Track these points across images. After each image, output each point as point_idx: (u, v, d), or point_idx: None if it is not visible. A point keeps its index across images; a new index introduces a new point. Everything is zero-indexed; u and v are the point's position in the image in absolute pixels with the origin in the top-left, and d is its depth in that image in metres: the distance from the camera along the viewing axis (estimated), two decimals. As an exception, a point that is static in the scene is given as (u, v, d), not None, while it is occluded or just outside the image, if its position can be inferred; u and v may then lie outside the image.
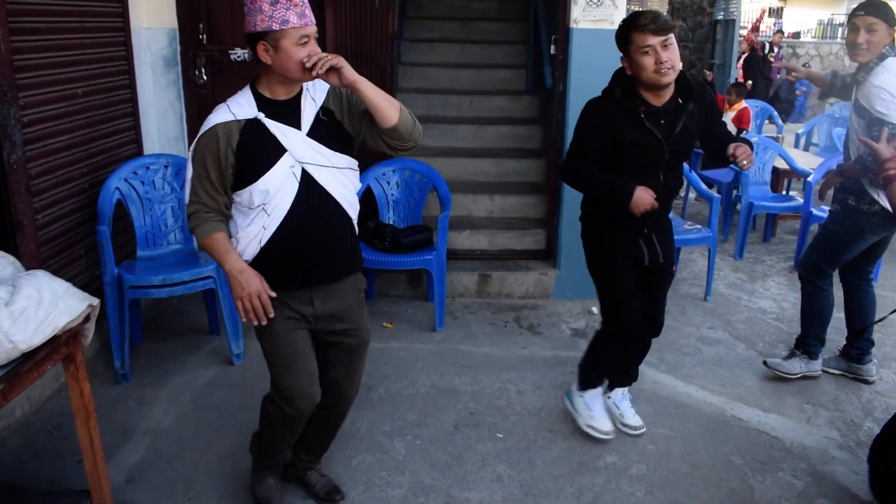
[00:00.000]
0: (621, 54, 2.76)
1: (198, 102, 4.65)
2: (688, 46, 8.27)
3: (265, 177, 2.21)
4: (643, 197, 2.74)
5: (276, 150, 2.22)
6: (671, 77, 2.66)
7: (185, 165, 2.34)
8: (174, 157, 4.06)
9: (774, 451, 3.32)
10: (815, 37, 16.85)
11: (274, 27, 2.08)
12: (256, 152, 2.22)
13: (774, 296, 5.14)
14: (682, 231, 4.80)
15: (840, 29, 16.26)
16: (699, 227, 5.01)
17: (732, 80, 8.55)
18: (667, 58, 2.60)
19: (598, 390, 3.35)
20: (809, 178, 5.61)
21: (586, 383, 3.33)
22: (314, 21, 2.16)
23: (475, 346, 4.19)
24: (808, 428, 3.54)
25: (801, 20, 20.62)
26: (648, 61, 2.63)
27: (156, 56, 4.38)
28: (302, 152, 2.25)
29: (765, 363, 3.98)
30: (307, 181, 2.26)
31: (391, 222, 4.56)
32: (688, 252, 5.73)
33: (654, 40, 2.60)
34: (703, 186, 5.23)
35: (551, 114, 4.90)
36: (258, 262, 2.31)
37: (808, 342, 3.93)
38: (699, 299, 4.98)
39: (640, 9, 2.86)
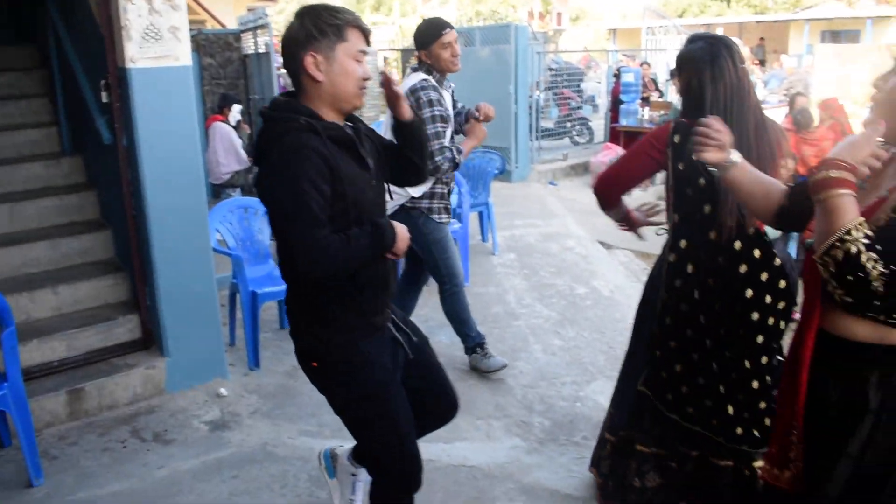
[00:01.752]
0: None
1: None
2: (221, 83, 7.82)
3: None
4: (404, 229, 2.06)
5: None
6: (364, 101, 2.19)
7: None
8: None
9: (479, 482, 3.18)
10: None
11: None
12: None
13: (392, 320, 5.03)
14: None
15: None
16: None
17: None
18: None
19: None
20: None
21: None
22: None
23: (96, 488, 3.16)
24: (492, 445, 3.48)
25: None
26: (355, 78, 2.06)
27: None
28: None
29: None
30: None
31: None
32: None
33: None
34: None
35: (110, 175, 4.05)
36: None
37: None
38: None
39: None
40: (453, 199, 6.20)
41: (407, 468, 2.26)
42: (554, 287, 5.54)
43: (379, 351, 2.18)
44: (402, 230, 2.04)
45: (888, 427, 1.65)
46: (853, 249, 1.52)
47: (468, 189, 5.90)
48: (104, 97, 3.70)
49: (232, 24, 11.80)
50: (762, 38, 25.90)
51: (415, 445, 2.27)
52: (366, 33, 2.07)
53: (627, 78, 12.37)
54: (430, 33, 3.67)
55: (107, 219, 4.57)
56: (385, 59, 23.49)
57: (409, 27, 30.12)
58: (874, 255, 1.51)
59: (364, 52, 2.06)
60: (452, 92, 3.95)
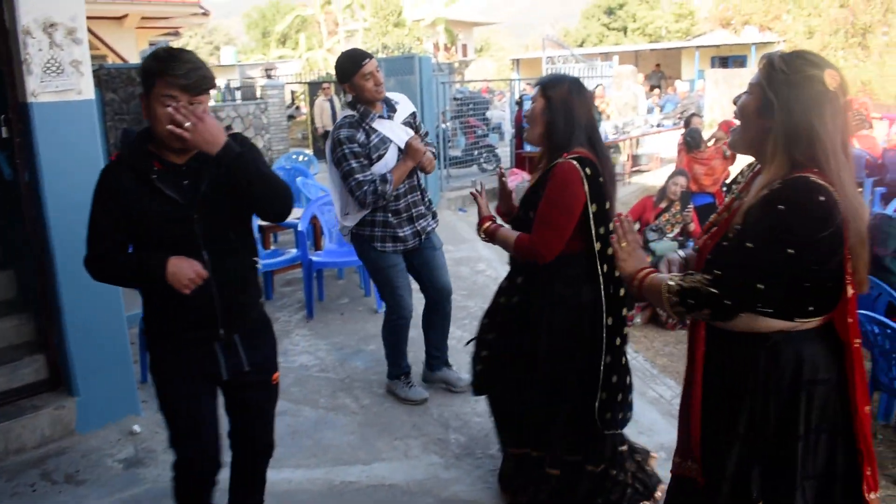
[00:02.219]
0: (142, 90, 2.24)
1: None
2: (124, 119, 7.71)
3: None
4: (182, 267, 2.18)
5: None
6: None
7: None
8: None
9: (399, 499, 3.24)
10: (216, 101, 17.55)
11: None
12: None
13: (307, 349, 5.05)
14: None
15: (238, 92, 17.26)
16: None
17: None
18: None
19: None
20: (300, 228, 5.69)
21: None
22: None
23: (7, 532, 3.10)
24: (410, 463, 3.55)
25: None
26: (165, 115, 2.15)
27: None
28: None
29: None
30: None
31: None
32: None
33: (182, 97, 2.16)
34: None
35: (11, 213, 3.96)
36: None
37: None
38: (241, 376, 4.59)
39: (183, 48, 2.30)
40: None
41: (182, 463, 2.51)
42: (466, 309, 5.68)
43: (183, 361, 2.41)
44: (180, 269, 2.17)
45: (763, 405, 1.87)
46: (675, 299, 1.84)
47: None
48: (4, 132, 3.63)
49: (134, 59, 11.61)
50: (658, 65, 27.09)
51: (191, 448, 2.47)
52: (178, 82, 2.14)
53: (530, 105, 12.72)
54: (349, 66, 3.70)
55: (8, 258, 4.45)
56: (293, 92, 23.46)
57: (315, 60, 30.16)
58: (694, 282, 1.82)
59: (171, 97, 2.14)
60: (413, 115, 3.98)
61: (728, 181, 3.46)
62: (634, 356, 4.84)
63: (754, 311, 1.82)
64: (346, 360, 4.79)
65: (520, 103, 13.09)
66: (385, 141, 3.78)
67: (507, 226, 2.95)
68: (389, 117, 3.85)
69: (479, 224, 2.97)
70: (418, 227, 3.98)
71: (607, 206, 2.72)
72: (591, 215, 2.67)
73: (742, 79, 21.46)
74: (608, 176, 2.75)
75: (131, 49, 13.24)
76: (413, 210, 3.96)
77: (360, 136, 3.73)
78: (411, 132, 3.92)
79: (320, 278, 6.09)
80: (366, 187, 3.66)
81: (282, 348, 5.02)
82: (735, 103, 1.93)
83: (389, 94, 3.93)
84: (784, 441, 1.85)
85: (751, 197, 1.81)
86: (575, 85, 2.78)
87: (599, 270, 2.72)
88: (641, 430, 3.69)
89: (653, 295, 1.93)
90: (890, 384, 3.52)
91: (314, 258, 5.72)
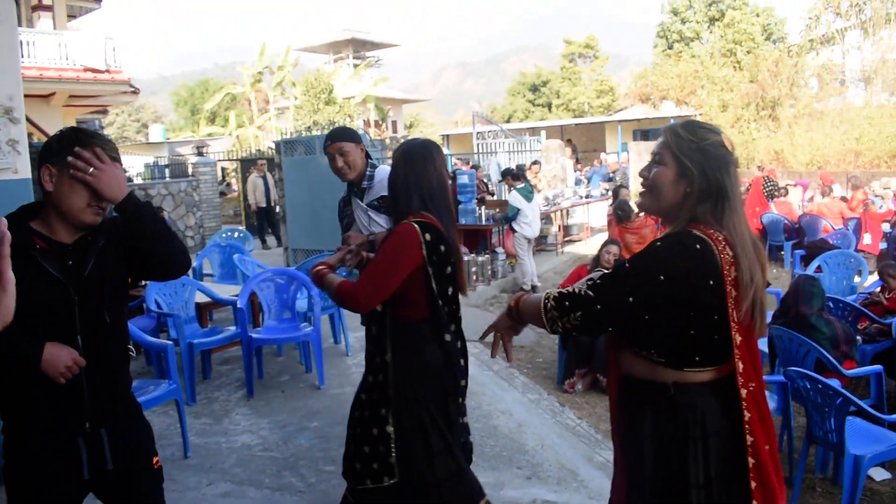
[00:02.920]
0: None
1: None
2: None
3: None
4: (60, 354, 2.03)
5: None
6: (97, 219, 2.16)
7: None
8: None
9: None
10: (144, 179, 17.46)
11: None
12: None
13: (249, 428, 4.93)
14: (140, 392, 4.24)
15: (167, 169, 17.13)
16: (157, 381, 4.53)
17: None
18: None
19: None
20: (240, 305, 5.62)
21: None
22: None
23: None
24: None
25: (132, 164, 21.36)
26: (83, 195, 2.08)
27: None
28: None
29: None
30: None
31: None
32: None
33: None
34: (146, 336, 4.75)
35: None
36: None
37: None
38: (179, 459, 4.44)
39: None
40: (302, 303, 6.29)
41: None
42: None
43: (43, 460, 2.15)
44: (58, 356, 2.04)
45: (664, 452, 1.95)
46: (552, 304, 1.94)
47: (318, 292, 5.97)
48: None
49: (61, 139, 11.42)
50: (569, 140, 28.03)
51: None
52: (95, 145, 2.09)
53: (463, 179, 13.01)
54: (332, 135, 3.76)
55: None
56: (223, 169, 23.38)
57: (245, 137, 30.21)
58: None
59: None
60: (379, 200, 3.84)
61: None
62: (578, 422, 4.89)
63: (626, 335, 1.99)
64: (289, 437, 4.69)
65: (453, 178, 13.36)
66: (351, 215, 3.93)
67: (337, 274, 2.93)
68: (359, 197, 3.88)
69: (313, 268, 2.94)
70: None
71: (448, 270, 2.78)
72: (432, 279, 2.73)
73: (663, 151, 22.43)
74: (451, 242, 2.79)
75: (57, 126, 13.06)
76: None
77: (342, 203, 4.02)
78: (374, 215, 3.84)
79: (260, 356, 5.99)
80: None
81: (222, 428, 4.91)
82: (644, 175, 2.05)
83: (380, 171, 3.87)
84: (682, 489, 1.90)
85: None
86: (419, 150, 2.85)
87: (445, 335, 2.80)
88: (592, 496, 3.71)
89: (531, 307, 2.02)
90: (824, 437, 3.64)
91: (254, 335, 5.64)
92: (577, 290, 1.91)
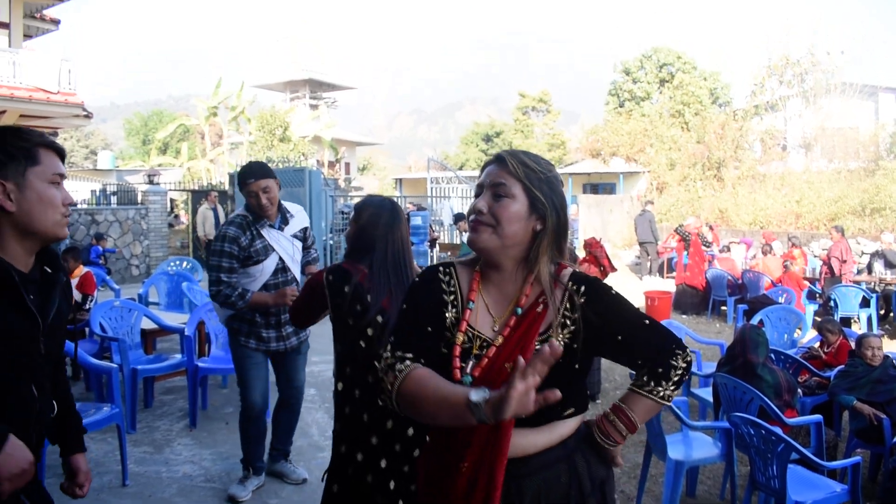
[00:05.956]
0: None
1: None
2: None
3: None
4: (19, 456, 1.65)
5: None
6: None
7: None
8: None
9: None
10: (90, 204, 17.16)
11: None
12: None
13: (191, 458, 4.81)
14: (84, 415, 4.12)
15: (114, 197, 16.94)
16: (98, 404, 4.41)
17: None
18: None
19: None
20: (187, 333, 5.52)
21: None
22: None
23: None
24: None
25: (78, 189, 20.95)
26: (57, 204, 1.83)
27: None
28: None
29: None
30: None
31: None
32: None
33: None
34: (89, 358, 4.63)
35: None
36: None
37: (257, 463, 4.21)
38: (117, 487, 4.30)
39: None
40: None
41: None
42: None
43: None
44: (13, 458, 1.64)
45: None
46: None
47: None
48: None
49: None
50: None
51: None
52: (61, 154, 1.87)
53: (416, 221, 13.11)
54: (242, 177, 3.91)
55: None
56: (172, 200, 23.05)
57: (197, 170, 29.90)
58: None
59: (62, 175, 1.85)
60: (304, 229, 4.23)
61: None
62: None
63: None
64: (232, 469, 4.58)
65: (406, 219, 13.44)
66: (268, 249, 3.98)
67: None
68: (280, 228, 4.05)
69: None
70: (283, 333, 4.10)
71: (358, 307, 2.74)
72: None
73: (610, 204, 22.97)
74: (372, 286, 2.76)
75: (5, 148, 12.75)
76: (282, 316, 4.07)
77: (244, 240, 3.91)
78: (299, 245, 4.17)
79: (204, 386, 5.87)
80: (222, 288, 3.85)
81: (163, 457, 4.79)
82: (481, 208, 1.74)
83: (288, 204, 4.16)
84: None
85: (558, 302, 1.73)
86: (388, 211, 2.89)
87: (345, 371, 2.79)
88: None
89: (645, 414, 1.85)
90: (767, 484, 3.71)
91: (200, 364, 5.54)
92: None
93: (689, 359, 1.81)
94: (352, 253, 2.87)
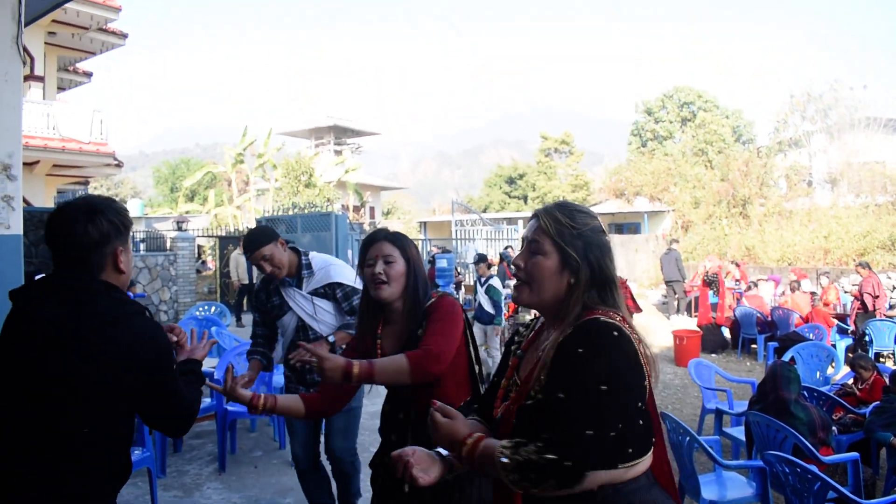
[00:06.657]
0: None
1: None
2: (32, 262, 7.51)
3: None
4: None
5: None
6: None
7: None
8: None
9: None
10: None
11: None
12: None
13: (220, 501, 4.82)
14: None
15: (142, 244, 17.10)
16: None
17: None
18: None
19: None
20: (216, 377, 5.56)
21: None
22: None
23: None
24: None
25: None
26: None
27: None
28: None
29: None
30: None
31: None
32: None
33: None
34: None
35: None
36: None
37: None
38: (148, 532, 4.31)
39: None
40: (279, 378, 6.22)
41: None
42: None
43: None
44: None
45: None
46: (515, 476, 1.58)
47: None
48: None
49: (40, 204, 11.45)
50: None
51: None
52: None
53: (441, 264, 13.19)
54: (246, 246, 3.76)
55: None
56: (200, 246, 23.34)
57: (224, 216, 30.33)
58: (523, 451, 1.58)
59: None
60: (331, 286, 3.87)
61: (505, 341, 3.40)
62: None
63: (597, 465, 1.59)
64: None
65: (432, 262, 13.51)
66: (284, 306, 3.89)
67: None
68: (297, 286, 3.87)
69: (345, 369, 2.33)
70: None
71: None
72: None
73: (636, 243, 22.90)
74: None
75: (38, 194, 13.07)
76: (308, 376, 3.93)
77: (263, 294, 3.99)
78: (323, 303, 3.88)
79: (234, 430, 5.89)
80: (252, 339, 4.07)
81: (192, 501, 4.80)
82: (519, 265, 1.85)
83: (317, 259, 3.94)
84: None
85: (548, 350, 1.74)
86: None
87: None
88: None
89: (487, 466, 1.66)
90: (804, 523, 3.64)
91: (229, 408, 5.56)
92: (533, 459, 1.55)
93: (571, 469, 1.56)
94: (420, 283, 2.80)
